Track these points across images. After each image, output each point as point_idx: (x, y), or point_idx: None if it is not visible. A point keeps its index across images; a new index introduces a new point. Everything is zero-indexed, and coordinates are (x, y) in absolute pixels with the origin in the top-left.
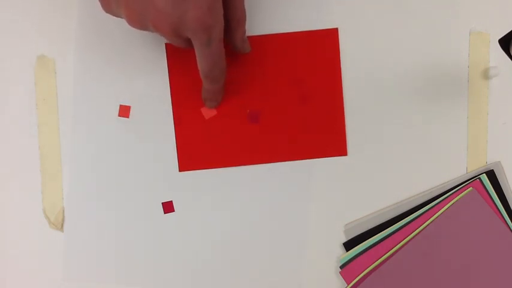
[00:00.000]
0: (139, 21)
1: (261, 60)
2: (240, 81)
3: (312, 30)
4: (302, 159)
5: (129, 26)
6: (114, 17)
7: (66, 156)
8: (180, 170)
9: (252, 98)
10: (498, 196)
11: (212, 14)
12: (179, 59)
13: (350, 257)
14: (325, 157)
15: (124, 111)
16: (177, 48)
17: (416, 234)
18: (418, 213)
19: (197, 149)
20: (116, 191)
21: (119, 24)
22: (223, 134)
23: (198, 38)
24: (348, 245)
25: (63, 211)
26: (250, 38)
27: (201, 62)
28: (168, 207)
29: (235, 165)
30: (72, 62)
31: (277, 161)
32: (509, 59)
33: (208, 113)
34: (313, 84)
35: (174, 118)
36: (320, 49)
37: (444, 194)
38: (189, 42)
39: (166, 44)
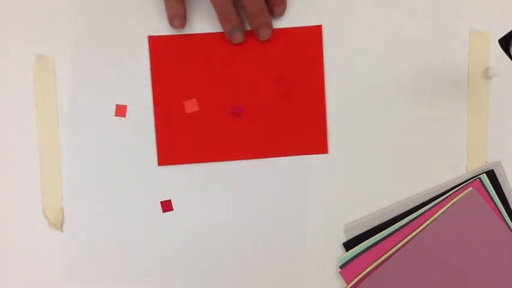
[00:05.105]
0: None
1: (244, 56)
2: (223, 77)
3: (296, 27)
4: (283, 155)
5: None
6: (113, 18)
7: (66, 156)
8: (159, 164)
9: (235, 93)
10: (498, 196)
11: None
12: (162, 52)
13: (350, 257)
14: (305, 155)
15: (120, 110)
16: (160, 41)
17: (416, 234)
18: (418, 213)
19: (178, 143)
20: (115, 190)
21: (118, 25)
22: (205, 129)
23: None
24: (348, 245)
25: (63, 211)
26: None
27: None
28: (166, 206)
29: (217, 160)
30: (72, 62)
31: (259, 157)
32: (509, 59)
33: (190, 107)
34: (296, 80)
35: (154, 112)
36: (303, 46)
37: (444, 194)
38: None
39: (149, 37)
